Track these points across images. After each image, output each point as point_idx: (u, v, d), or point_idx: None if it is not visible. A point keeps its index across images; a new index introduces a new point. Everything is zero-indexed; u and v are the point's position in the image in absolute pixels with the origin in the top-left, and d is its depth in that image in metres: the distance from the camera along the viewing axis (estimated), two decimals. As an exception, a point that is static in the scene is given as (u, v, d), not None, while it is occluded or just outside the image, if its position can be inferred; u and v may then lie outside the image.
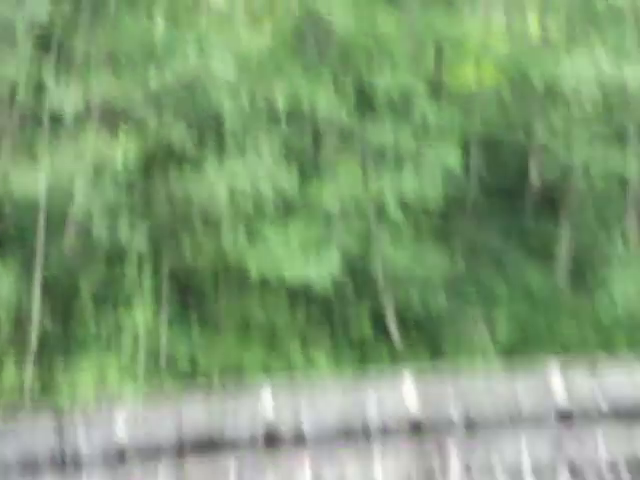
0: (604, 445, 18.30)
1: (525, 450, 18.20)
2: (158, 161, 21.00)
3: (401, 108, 22.31)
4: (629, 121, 23.65)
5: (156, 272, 21.25)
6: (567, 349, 22.62)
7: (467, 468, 18.12)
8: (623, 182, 23.82)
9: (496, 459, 18.18)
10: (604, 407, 18.53)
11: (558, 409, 18.56)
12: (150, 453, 16.85)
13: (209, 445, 16.96)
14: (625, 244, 23.59)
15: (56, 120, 19.94)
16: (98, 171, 19.74)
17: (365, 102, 22.44)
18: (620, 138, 23.75)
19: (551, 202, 24.59)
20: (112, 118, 20.36)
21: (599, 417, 18.50)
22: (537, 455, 18.23)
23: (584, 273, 23.91)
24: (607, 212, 24.39)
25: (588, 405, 18.51)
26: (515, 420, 18.42)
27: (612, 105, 23.02)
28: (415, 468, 17.82)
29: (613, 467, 18.21)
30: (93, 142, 19.80)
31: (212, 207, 20.54)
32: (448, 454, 17.94)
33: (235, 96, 20.59)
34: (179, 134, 20.34)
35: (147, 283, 21.00)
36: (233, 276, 21.54)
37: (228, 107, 20.51)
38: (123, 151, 19.70)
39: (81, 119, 20.03)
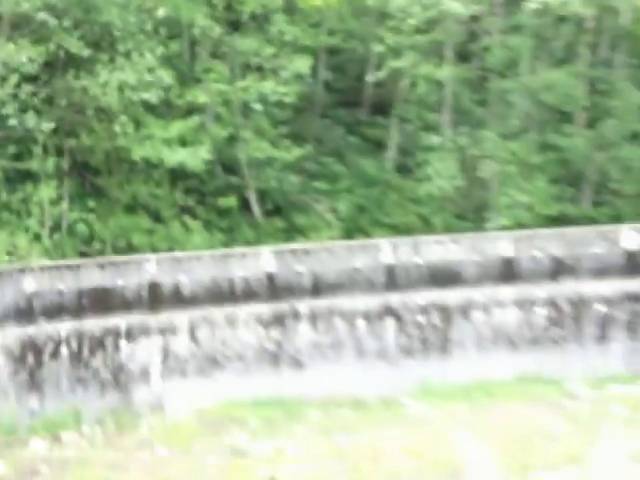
0: (420, 297, 18.54)
1: (359, 303, 18.37)
2: (59, 63, 20.38)
3: (262, 23, 22.04)
4: (445, 36, 23.60)
5: (59, 153, 20.77)
6: (392, 218, 22.86)
7: (312, 315, 18.23)
8: (439, 85, 23.83)
9: (335, 309, 18.32)
10: (422, 270, 18.79)
11: (385, 271, 18.77)
12: (54, 308, 16.57)
13: (103, 303, 16.77)
14: (439, 134, 23.66)
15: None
16: (8, 68, 19.05)
17: (233, 18, 22.09)
18: (439, 49, 23.76)
19: (383, 100, 24.56)
20: (19, 27, 19.61)
21: (418, 278, 18.77)
22: (368, 305, 18.41)
23: (407, 158, 24.01)
24: (426, 109, 24.41)
25: (410, 269, 18.73)
26: (352, 280, 18.60)
27: (432, 22, 22.85)
28: (271, 316, 17.88)
29: (424, 310, 18.49)
30: (3, 45, 19.09)
31: (105, 99, 19.95)
32: (288, 306, 18.02)
33: (123, 10, 20.02)
34: (77, 41, 19.69)
35: (51, 161, 20.49)
36: (123, 158, 21.13)
37: (117, 19, 19.94)
38: (29, 52, 19.06)
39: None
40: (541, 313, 18.88)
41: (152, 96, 19.87)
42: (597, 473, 12.14)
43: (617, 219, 22.02)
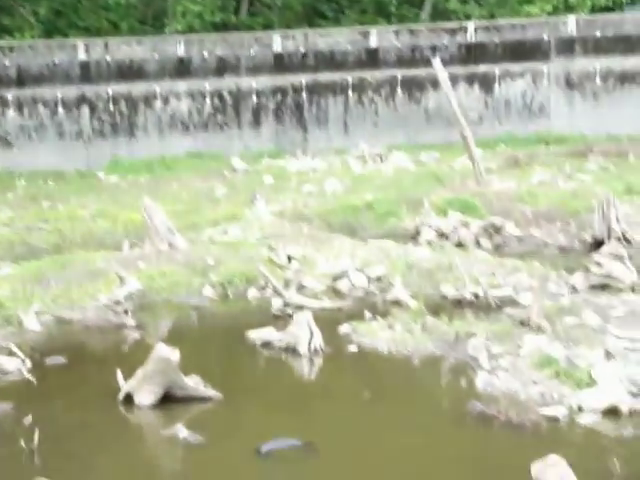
0: (110, 89, 17.96)
1: (58, 93, 17.61)
2: None
3: None
4: None
5: None
6: (86, 22, 21.61)
7: (18, 102, 17.32)
8: None
9: (38, 98, 17.45)
10: (112, 67, 18.11)
11: (80, 66, 17.98)
12: None
13: None
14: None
15: None
16: None
17: None
18: None
19: None
20: None
21: (108, 74, 18.11)
22: (66, 95, 17.64)
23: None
24: None
25: (101, 65, 18.04)
26: (52, 73, 17.70)
27: None
28: None
29: (114, 100, 18.02)
30: None
31: None
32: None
33: None
34: None
35: None
36: None
37: None
38: None
39: None
40: (209, 103, 18.80)
41: None
42: (249, 226, 12.45)
43: (269, 27, 21.95)
